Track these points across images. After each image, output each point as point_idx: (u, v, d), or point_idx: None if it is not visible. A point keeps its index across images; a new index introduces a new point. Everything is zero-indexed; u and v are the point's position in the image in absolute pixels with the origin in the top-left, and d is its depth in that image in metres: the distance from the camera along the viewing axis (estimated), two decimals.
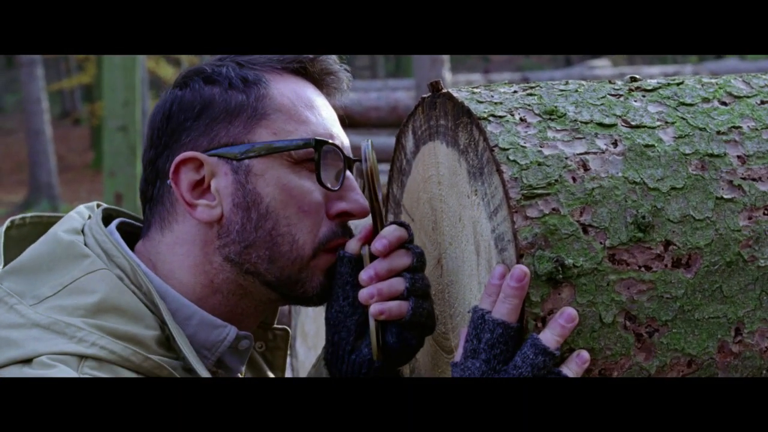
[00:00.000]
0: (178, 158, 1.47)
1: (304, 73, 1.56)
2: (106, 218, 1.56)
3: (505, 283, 1.31)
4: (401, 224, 1.52)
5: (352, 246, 1.53)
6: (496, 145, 1.35)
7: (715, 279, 1.38)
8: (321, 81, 1.58)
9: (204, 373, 1.41)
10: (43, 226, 1.55)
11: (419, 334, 1.50)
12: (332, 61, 1.59)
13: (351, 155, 1.57)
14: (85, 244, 1.47)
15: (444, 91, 1.48)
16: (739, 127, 1.45)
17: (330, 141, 1.51)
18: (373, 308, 1.46)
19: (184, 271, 1.49)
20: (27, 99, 17.97)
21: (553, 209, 1.33)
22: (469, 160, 1.42)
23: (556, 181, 1.34)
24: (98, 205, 1.60)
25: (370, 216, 1.53)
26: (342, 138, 1.56)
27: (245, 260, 1.48)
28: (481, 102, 1.42)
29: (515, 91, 1.47)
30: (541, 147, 1.37)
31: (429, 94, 1.52)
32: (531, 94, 1.46)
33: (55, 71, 28.50)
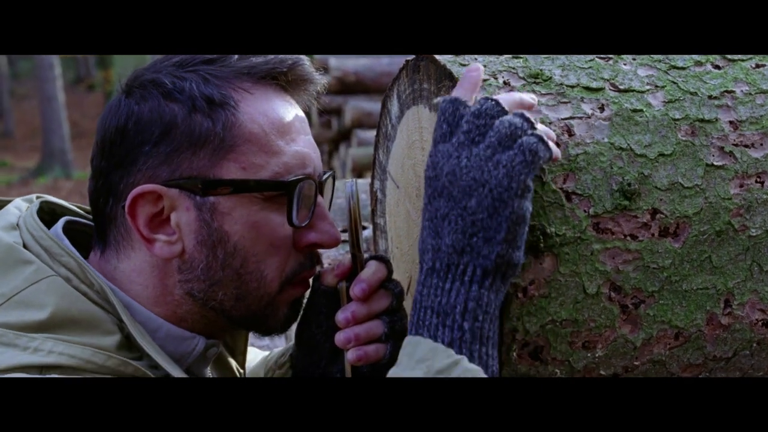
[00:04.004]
0: (135, 191, 1.34)
1: (275, 82, 1.42)
2: (50, 213, 1.48)
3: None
4: (381, 259, 1.46)
5: (329, 280, 1.48)
6: None
7: (704, 249, 1.33)
8: (295, 88, 1.45)
9: (169, 367, 1.34)
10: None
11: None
12: (307, 66, 1.44)
13: (321, 170, 1.44)
14: (24, 245, 1.36)
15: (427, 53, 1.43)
16: (733, 91, 1.39)
17: (302, 175, 1.39)
18: (351, 354, 1.41)
19: (144, 301, 1.40)
20: (40, 65, 17.96)
21: (535, 176, 1.28)
22: None
23: None
24: (38, 198, 1.50)
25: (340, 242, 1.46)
26: (314, 158, 1.42)
27: (210, 298, 1.39)
28: (464, 65, 1.37)
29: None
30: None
31: (413, 57, 1.47)
32: (517, 57, 1.40)
33: None
